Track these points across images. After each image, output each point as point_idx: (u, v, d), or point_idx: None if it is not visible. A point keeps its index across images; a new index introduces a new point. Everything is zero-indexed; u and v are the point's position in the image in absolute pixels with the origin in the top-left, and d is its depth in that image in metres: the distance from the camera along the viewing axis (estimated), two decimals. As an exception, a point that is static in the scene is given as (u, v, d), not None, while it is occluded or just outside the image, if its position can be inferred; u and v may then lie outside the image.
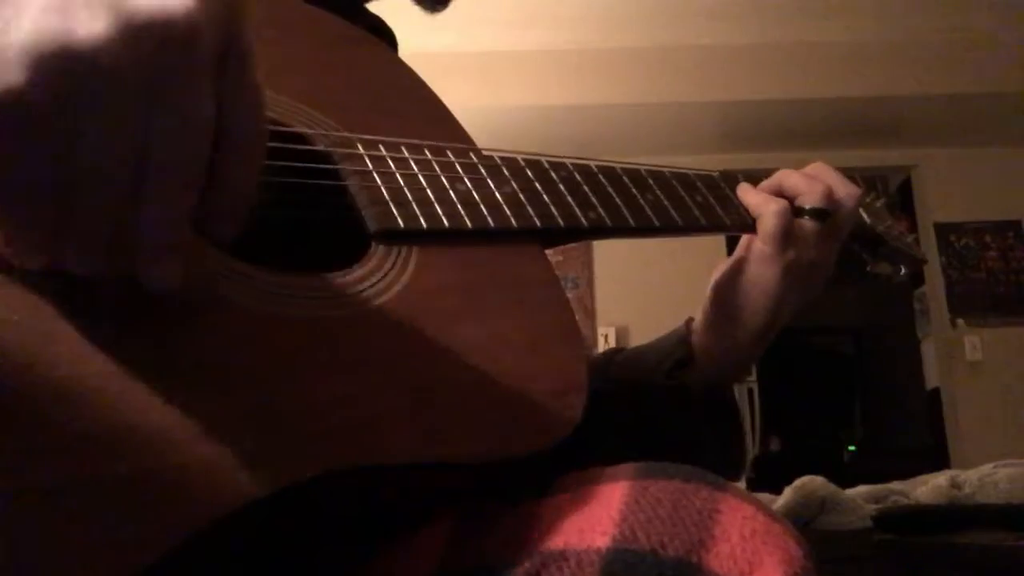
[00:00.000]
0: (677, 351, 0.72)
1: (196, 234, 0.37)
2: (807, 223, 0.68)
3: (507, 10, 3.75)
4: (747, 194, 0.70)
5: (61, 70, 0.32)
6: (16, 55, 0.32)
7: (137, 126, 0.33)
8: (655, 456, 0.44)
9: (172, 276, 0.37)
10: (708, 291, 0.71)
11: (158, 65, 0.33)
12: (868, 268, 0.81)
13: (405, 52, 0.70)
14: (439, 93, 0.65)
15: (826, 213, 0.68)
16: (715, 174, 0.71)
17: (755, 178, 0.72)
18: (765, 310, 0.68)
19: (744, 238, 0.71)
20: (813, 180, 0.70)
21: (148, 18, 0.33)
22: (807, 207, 0.68)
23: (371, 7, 0.76)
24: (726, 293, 0.70)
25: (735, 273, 0.69)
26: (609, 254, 4.37)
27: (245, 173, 0.37)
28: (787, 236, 0.67)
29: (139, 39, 0.33)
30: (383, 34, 0.75)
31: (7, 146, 0.32)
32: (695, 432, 0.70)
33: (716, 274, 0.71)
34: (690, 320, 0.73)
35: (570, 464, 0.45)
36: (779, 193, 0.70)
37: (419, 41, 0.81)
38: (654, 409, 0.48)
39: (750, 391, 4.50)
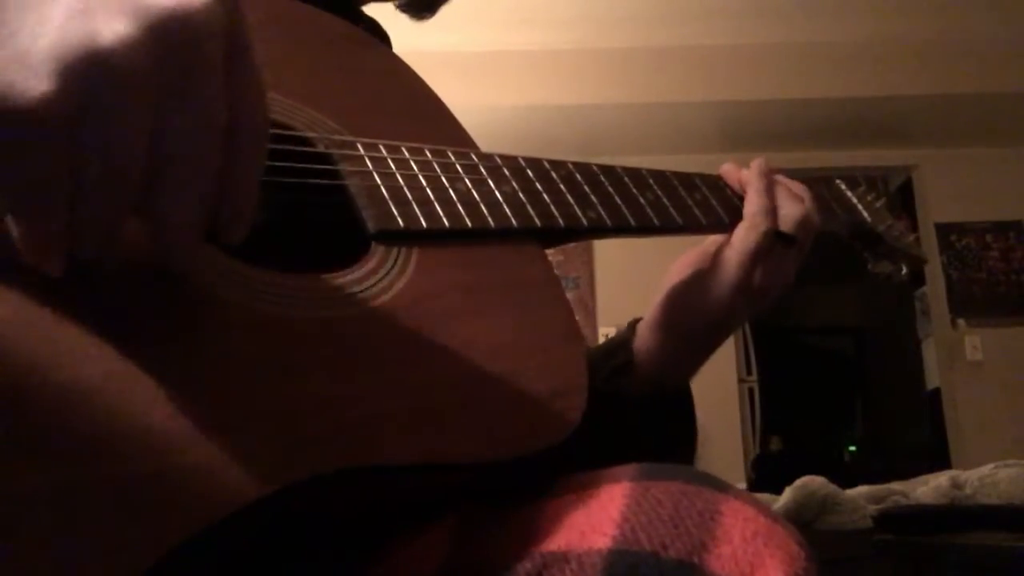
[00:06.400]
0: (618, 355, 0.70)
1: (209, 239, 0.37)
2: (778, 248, 0.65)
3: (507, 10, 3.75)
4: (754, 188, 0.67)
5: (87, 74, 0.31)
6: (42, 61, 0.31)
7: (153, 125, 0.33)
8: (595, 461, 0.44)
9: (186, 260, 0.38)
10: (662, 290, 0.69)
11: (176, 64, 0.33)
12: (869, 267, 0.81)
13: (403, 52, 0.69)
14: (438, 93, 0.64)
15: (794, 240, 0.66)
16: (716, 174, 0.71)
17: None
18: (710, 323, 0.66)
19: (711, 242, 0.68)
20: (795, 202, 0.67)
21: (167, 18, 0.33)
22: (779, 229, 0.65)
23: (366, 9, 0.76)
24: (677, 300, 0.68)
25: (694, 282, 0.67)
26: (609, 254, 4.37)
27: (252, 167, 0.37)
28: (759, 258, 0.64)
29: (159, 39, 0.33)
30: (379, 36, 0.75)
31: (26, 151, 0.31)
32: (629, 438, 0.68)
33: (674, 276, 0.69)
34: (636, 321, 0.71)
35: (550, 465, 0.45)
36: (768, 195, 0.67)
37: (418, 41, 0.80)
38: (591, 416, 0.47)
39: (750, 391, 4.49)
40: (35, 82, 0.31)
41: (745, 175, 0.69)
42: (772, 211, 0.66)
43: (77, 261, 0.35)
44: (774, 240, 0.65)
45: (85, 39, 0.32)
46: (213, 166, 0.35)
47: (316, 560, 0.44)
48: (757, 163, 0.69)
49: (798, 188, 0.69)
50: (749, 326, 4.37)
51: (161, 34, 0.33)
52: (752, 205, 0.66)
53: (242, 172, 0.37)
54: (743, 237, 0.64)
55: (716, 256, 0.66)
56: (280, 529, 0.40)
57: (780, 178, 0.70)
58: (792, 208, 0.66)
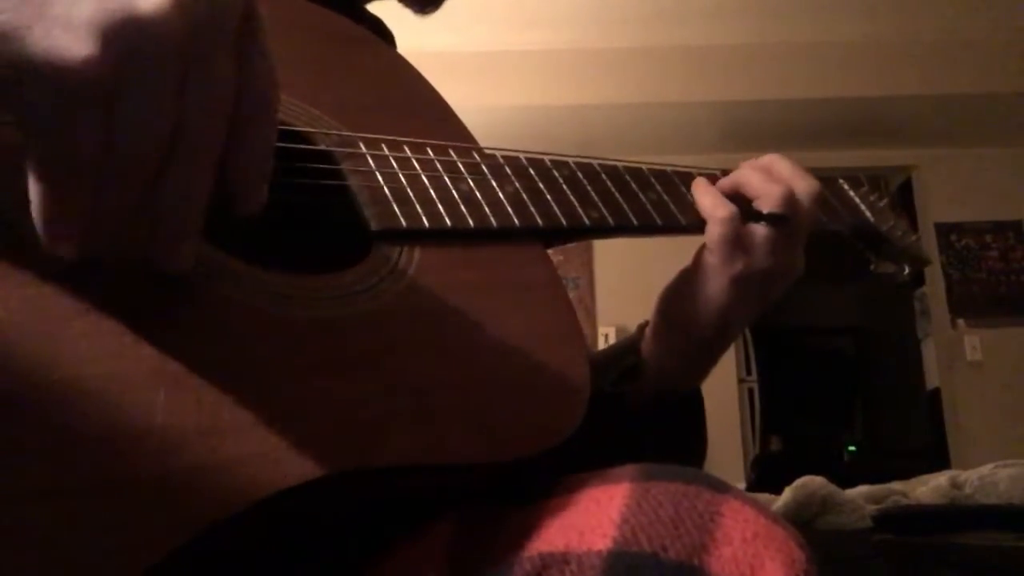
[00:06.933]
0: (626, 359, 0.69)
1: (225, 211, 0.37)
2: (761, 230, 0.63)
3: (507, 10, 3.75)
4: (700, 193, 0.66)
5: (127, 40, 0.32)
6: (84, 26, 0.32)
7: (176, 96, 0.34)
8: (601, 463, 0.43)
9: (186, 258, 0.37)
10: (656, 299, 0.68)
11: (204, 34, 0.34)
12: (872, 268, 0.80)
13: (405, 52, 0.69)
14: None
15: (784, 219, 0.63)
16: (718, 172, 0.70)
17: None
18: (709, 323, 0.65)
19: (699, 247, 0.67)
20: (771, 182, 0.65)
21: None
22: (764, 212, 0.63)
23: (370, 8, 0.76)
24: (671, 303, 0.67)
25: (681, 283, 0.66)
26: (609, 254, 4.37)
27: (265, 137, 0.38)
28: (734, 245, 0.62)
29: (190, 9, 0.33)
30: (383, 35, 0.75)
31: (67, 115, 0.32)
32: (634, 441, 0.67)
33: (670, 282, 0.68)
34: (645, 324, 0.71)
35: (551, 466, 0.45)
36: (736, 193, 0.66)
37: (419, 41, 0.80)
38: (595, 417, 0.46)
39: (750, 391, 4.49)
40: (79, 46, 0.31)
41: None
42: (734, 192, 0.65)
43: (79, 259, 0.35)
44: (742, 224, 0.63)
45: (125, 6, 0.32)
46: (223, 137, 0.35)
47: (316, 560, 0.44)
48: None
49: (769, 162, 0.68)
50: (748, 326, 4.37)
51: (192, 4, 0.33)
52: (704, 199, 0.65)
53: (256, 138, 0.37)
54: (707, 230, 0.64)
55: (697, 256, 0.66)
56: (281, 529, 0.40)
57: (751, 167, 0.68)
58: (769, 188, 0.64)
